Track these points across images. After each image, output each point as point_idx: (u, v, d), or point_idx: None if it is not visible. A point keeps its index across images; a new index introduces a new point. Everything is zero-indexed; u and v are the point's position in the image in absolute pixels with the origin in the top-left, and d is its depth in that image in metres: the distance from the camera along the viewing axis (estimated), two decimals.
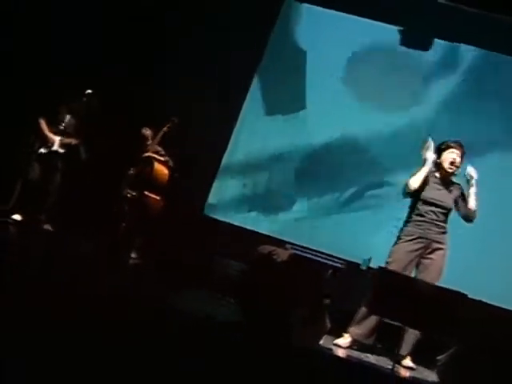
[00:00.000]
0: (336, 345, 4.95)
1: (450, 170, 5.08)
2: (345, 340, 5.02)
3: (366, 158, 7.22)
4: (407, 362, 4.92)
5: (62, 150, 6.60)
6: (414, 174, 5.09)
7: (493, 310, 6.16)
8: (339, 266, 6.50)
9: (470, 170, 5.08)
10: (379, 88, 7.27)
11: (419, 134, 6.26)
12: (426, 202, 5.06)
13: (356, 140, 7.28)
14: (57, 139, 6.59)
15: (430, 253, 5.05)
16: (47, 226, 6.52)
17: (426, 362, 5.01)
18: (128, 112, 6.93)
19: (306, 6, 7.59)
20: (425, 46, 7.27)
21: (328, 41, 7.46)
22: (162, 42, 7.30)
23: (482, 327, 4.74)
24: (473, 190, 5.06)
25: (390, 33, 7.29)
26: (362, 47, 7.41)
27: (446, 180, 5.13)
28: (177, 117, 6.67)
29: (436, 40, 7.19)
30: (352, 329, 5.06)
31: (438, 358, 4.36)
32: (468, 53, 7.20)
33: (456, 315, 4.19)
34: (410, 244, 5.03)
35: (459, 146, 5.09)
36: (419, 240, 5.03)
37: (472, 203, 5.06)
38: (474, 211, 5.08)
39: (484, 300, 6.05)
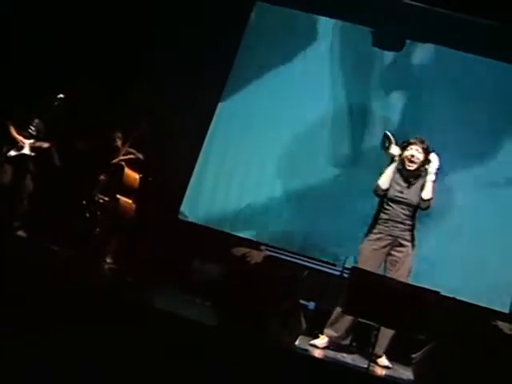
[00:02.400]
0: (312, 345, 4.97)
1: (409, 167, 5.11)
2: (321, 340, 5.04)
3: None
4: (383, 360, 4.97)
5: (32, 154, 6.53)
6: (382, 174, 5.16)
7: (466, 306, 6.25)
8: (315, 266, 6.57)
9: (431, 157, 5.10)
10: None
11: None
12: (391, 200, 5.13)
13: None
14: (27, 142, 6.53)
15: (395, 250, 5.11)
16: (20, 232, 6.46)
17: (401, 360, 5.06)
18: (99, 117, 6.88)
19: (276, 8, 7.58)
20: (397, 47, 7.31)
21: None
22: (136, 48, 7.25)
23: (456, 324, 4.78)
24: (430, 178, 5.07)
25: (361, 34, 7.33)
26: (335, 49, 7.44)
27: (411, 176, 5.15)
28: (148, 121, 6.65)
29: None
30: (328, 329, 5.08)
31: (413, 355, 4.38)
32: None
33: (429, 313, 4.24)
34: (376, 242, 5.10)
35: (419, 141, 5.11)
36: (384, 237, 5.10)
37: (426, 192, 5.07)
38: (427, 200, 5.09)
39: (457, 297, 6.15)
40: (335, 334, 5.05)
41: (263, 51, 7.50)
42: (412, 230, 5.15)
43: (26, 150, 6.51)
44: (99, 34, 7.01)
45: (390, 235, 5.10)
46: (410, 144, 5.12)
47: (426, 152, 5.10)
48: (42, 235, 6.35)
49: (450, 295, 5.93)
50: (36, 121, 6.58)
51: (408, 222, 5.12)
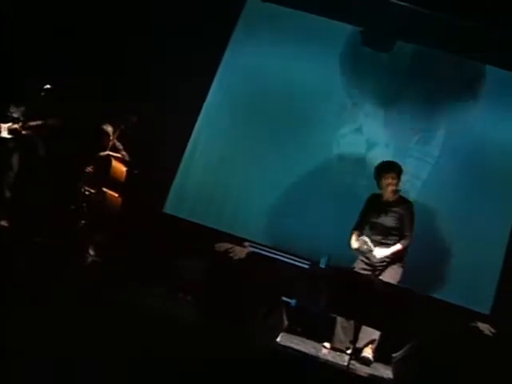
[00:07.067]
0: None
1: (391, 194, 5.28)
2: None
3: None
4: (364, 357, 4.97)
5: (9, 136, 6.45)
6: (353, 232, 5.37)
7: (445, 305, 6.29)
8: (298, 263, 6.58)
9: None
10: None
11: None
12: (371, 226, 5.35)
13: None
14: (5, 126, 6.47)
15: (379, 274, 5.22)
16: (3, 222, 6.40)
17: (382, 359, 5.07)
18: (86, 109, 6.84)
19: (268, 5, 7.55)
20: (386, 47, 7.33)
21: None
22: (126, 41, 7.22)
23: (437, 324, 4.81)
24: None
25: (351, 33, 7.34)
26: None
27: (391, 201, 5.31)
28: (137, 115, 6.62)
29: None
30: (334, 341, 5.20)
31: (394, 355, 4.40)
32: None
33: (409, 312, 4.26)
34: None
35: (390, 169, 5.28)
36: (366, 267, 5.26)
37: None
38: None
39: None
40: (342, 345, 5.16)
41: (252, 47, 7.50)
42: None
43: (4, 134, 6.46)
44: (90, 22, 6.99)
45: (371, 265, 5.28)
46: (383, 175, 5.29)
47: (400, 173, 5.31)
48: (25, 226, 6.31)
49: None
50: (18, 107, 6.52)
51: (388, 242, 5.28)
